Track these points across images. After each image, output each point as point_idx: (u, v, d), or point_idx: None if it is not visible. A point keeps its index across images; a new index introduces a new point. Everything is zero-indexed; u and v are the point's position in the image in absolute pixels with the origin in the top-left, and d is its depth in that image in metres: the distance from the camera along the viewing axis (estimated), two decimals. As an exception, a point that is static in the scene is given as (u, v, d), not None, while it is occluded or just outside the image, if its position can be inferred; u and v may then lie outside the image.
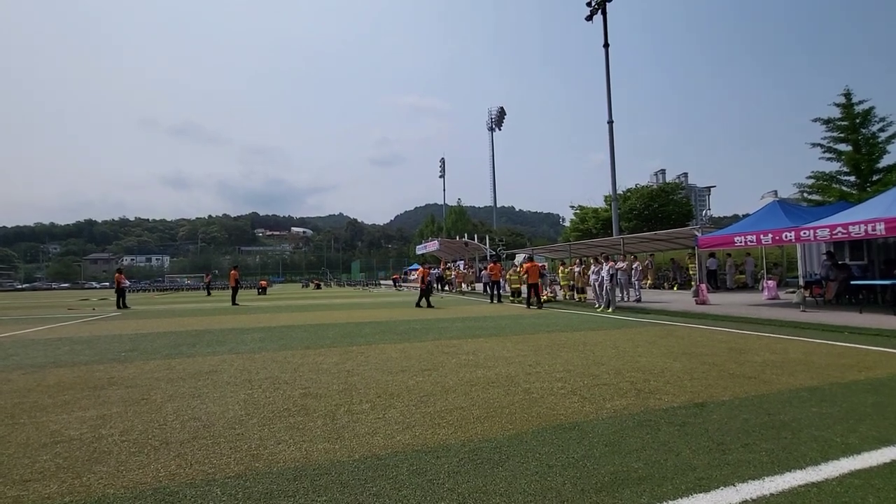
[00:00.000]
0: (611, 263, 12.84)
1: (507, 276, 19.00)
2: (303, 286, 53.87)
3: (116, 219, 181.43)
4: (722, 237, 12.79)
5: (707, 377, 4.68)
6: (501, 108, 63.36)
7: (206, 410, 3.89)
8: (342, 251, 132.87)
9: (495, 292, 17.49)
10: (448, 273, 29.98)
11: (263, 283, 37.47)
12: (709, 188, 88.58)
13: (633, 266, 15.79)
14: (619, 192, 35.74)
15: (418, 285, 16.67)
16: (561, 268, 19.07)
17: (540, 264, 16.74)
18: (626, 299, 14.69)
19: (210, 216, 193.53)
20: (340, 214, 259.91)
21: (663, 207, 37.18)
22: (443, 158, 63.39)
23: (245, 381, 4.93)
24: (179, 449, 3.04)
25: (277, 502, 2.30)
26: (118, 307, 18.35)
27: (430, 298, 16.18)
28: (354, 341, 7.80)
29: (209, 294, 32.93)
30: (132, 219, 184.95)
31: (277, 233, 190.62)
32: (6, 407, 4.12)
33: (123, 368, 5.81)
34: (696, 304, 12.22)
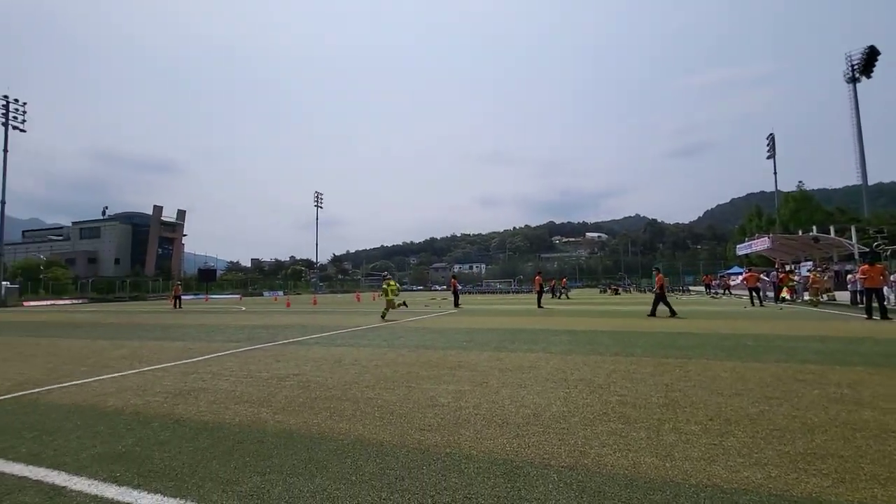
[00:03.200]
0: None
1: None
2: (600, 291, 53.44)
3: (449, 235, 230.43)
4: None
5: None
6: (870, 47, 45.57)
7: (533, 401, 4.38)
8: (640, 254, 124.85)
9: (874, 304, 12.54)
10: (791, 279, 23.57)
11: (561, 282, 39.07)
12: None
13: None
14: None
15: (656, 290, 15.36)
16: None
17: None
18: None
19: (514, 228, 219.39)
20: (637, 216, 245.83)
21: None
22: (771, 135, 50.46)
23: (561, 380, 5.28)
24: (517, 430, 3.53)
25: (613, 505, 2.34)
26: (455, 306, 23.11)
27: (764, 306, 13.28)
28: (669, 353, 7.15)
29: (556, 297, 34.94)
30: (459, 234, 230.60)
31: (573, 239, 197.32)
32: (404, 374, 5.83)
33: (466, 355, 7.25)
34: None
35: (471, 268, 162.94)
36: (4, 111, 42.64)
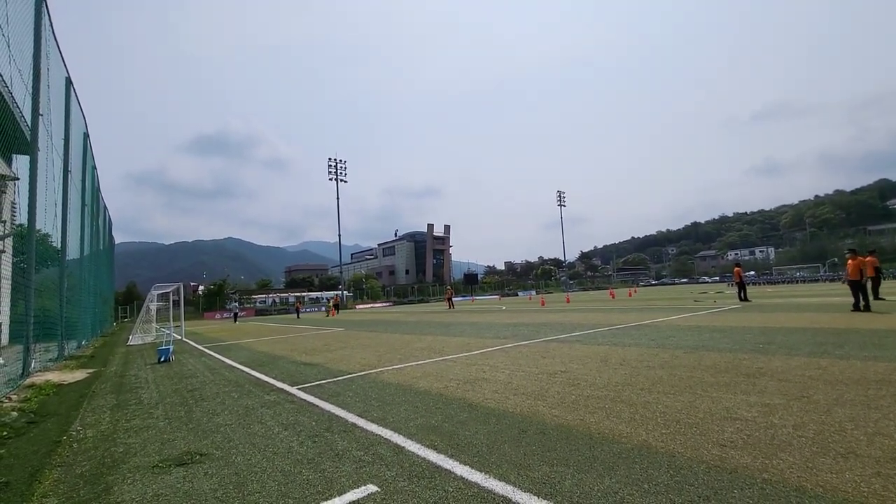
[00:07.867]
0: None
1: None
2: None
3: (716, 217, 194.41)
4: None
5: None
6: None
7: (896, 429, 3.16)
8: None
9: None
10: None
11: None
12: None
13: None
14: None
15: None
16: None
17: None
18: None
19: (816, 196, 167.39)
20: None
21: None
22: None
23: (947, 403, 3.64)
24: (874, 467, 2.60)
25: None
26: (740, 300, 19.18)
27: None
28: None
29: None
30: (730, 215, 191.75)
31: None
32: (685, 378, 5.15)
33: (767, 360, 5.86)
34: None
35: (752, 253, 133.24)
36: (335, 170, 59.88)
